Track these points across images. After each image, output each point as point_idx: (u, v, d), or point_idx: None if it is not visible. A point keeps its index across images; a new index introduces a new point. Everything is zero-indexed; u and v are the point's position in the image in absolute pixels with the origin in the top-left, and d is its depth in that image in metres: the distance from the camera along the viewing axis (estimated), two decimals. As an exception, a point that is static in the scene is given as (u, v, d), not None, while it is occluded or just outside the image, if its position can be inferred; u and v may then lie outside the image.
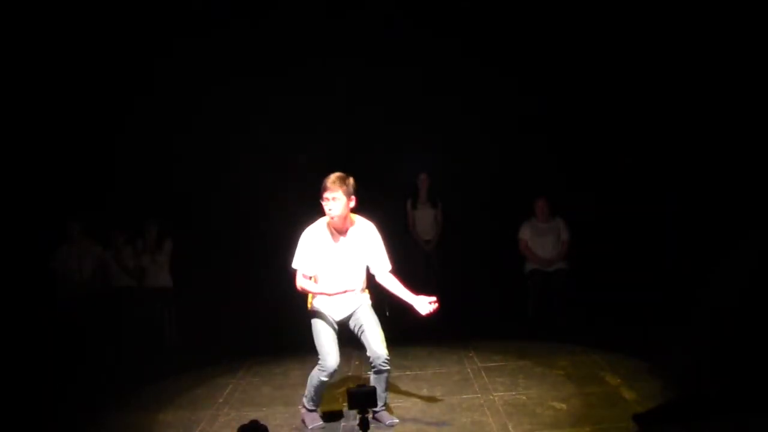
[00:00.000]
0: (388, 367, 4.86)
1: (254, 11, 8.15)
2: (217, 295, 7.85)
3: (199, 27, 8.05)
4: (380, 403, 4.94)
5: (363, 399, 3.82)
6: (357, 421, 3.86)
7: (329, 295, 4.74)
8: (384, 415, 4.98)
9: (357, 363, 6.40)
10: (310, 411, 5.00)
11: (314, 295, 4.83)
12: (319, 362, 4.83)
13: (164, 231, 7.65)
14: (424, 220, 8.36)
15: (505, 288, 7.81)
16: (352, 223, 4.86)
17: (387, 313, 7.72)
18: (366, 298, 4.96)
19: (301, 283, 4.81)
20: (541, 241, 7.65)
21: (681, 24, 7.37)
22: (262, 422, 3.69)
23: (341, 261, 4.82)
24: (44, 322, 7.06)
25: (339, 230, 4.83)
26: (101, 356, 6.88)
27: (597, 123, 8.06)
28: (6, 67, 7.58)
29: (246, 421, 3.76)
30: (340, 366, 4.87)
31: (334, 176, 4.74)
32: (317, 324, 4.85)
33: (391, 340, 6.95)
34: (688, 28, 7.32)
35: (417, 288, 8.02)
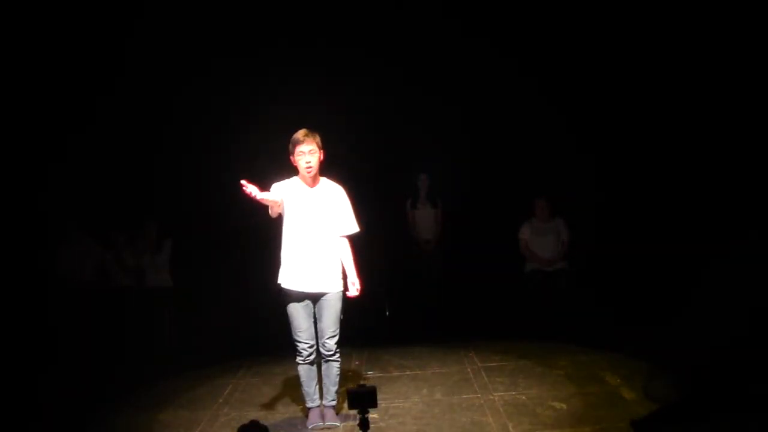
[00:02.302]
0: (336, 359, 4.89)
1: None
2: (217, 295, 7.85)
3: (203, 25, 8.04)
4: (329, 398, 4.95)
5: (363, 399, 3.82)
6: (357, 421, 3.86)
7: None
8: (330, 413, 4.94)
9: (357, 363, 6.41)
10: (309, 408, 4.98)
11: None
12: (295, 345, 4.85)
13: (164, 231, 7.65)
14: (424, 220, 8.37)
15: (505, 288, 7.81)
16: (320, 181, 4.91)
17: (387, 313, 7.78)
18: (339, 286, 4.88)
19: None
20: (541, 241, 7.65)
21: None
22: (262, 422, 3.70)
23: (310, 214, 4.80)
24: (44, 322, 7.05)
25: (310, 185, 4.86)
26: (100, 356, 6.87)
27: (597, 123, 8.04)
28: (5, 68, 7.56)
29: (246, 421, 3.77)
30: (315, 349, 4.86)
31: (303, 130, 4.78)
32: (286, 306, 4.85)
33: (392, 340, 7.07)
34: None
35: (418, 289, 8.18)
